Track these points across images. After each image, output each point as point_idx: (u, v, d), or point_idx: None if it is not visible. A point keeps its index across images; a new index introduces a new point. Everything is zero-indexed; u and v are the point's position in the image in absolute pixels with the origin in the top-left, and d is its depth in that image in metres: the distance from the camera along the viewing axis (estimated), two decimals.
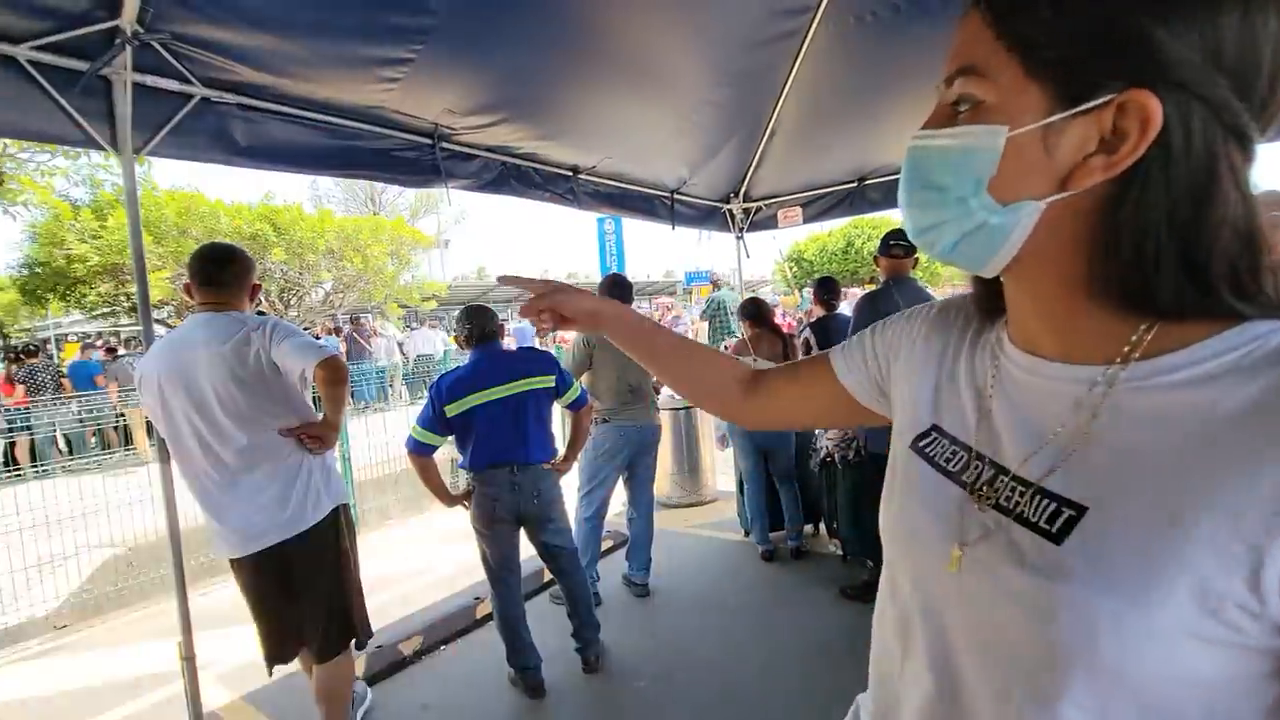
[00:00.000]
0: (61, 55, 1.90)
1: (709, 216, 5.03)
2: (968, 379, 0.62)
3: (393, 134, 2.84)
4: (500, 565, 2.67)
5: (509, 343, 11.59)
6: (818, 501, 4.08)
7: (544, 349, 2.84)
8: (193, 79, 2.15)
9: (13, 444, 7.82)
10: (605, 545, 3.98)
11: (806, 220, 5.01)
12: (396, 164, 2.90)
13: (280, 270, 11.92)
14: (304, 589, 2.07)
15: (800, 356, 3.84)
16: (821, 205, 4.88)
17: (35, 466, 7.19)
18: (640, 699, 2.63)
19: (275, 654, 2.13)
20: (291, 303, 12.74)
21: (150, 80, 2.07)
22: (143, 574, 4.80)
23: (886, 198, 4.58)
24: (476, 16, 2.39)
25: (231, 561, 2.07)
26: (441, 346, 13.22)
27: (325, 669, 2.13)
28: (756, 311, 3.96)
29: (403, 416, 7.39)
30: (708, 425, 5.11)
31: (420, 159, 2.96)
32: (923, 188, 0.53)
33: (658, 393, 3.65)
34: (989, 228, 0.50)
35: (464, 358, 2.85)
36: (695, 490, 5.08)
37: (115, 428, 8.29)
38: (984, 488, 0.55)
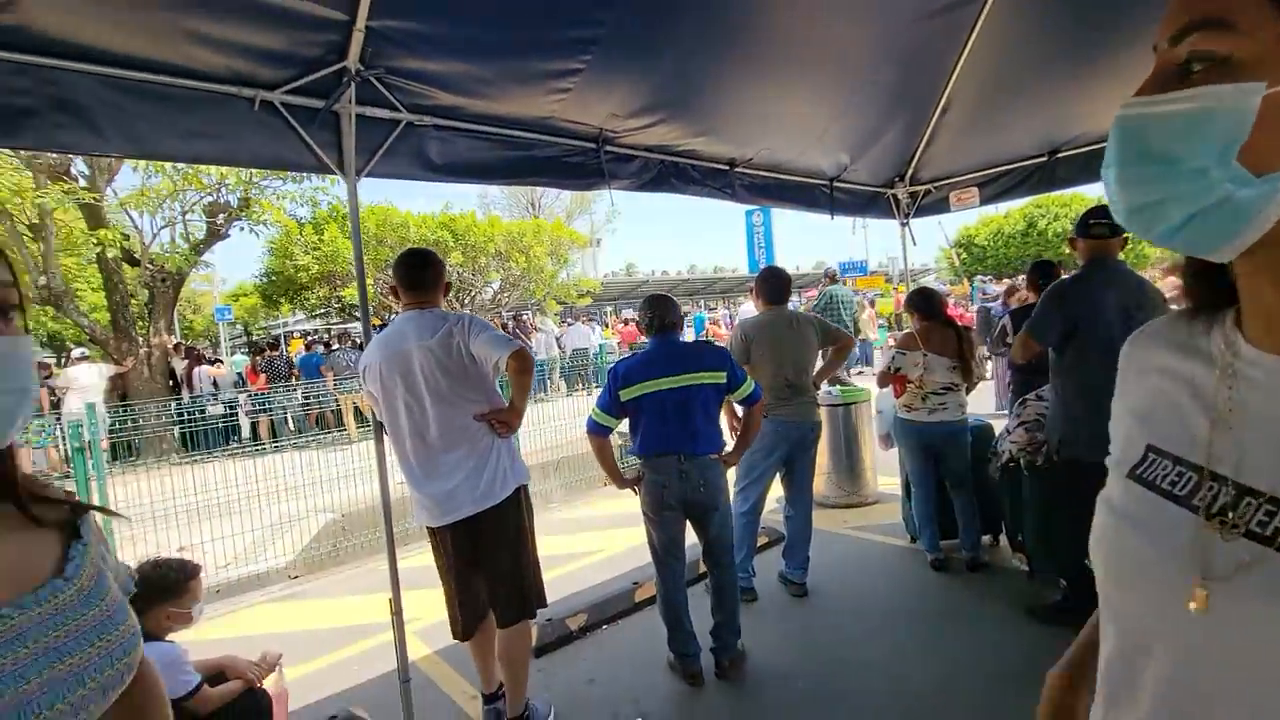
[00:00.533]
0: (303, 96, 2.26)
1: (870, 203, 4.76)
2: (1185, 389, 0.54)
3: (561, 141, 3.02)
4: (666, 550, 2.75)
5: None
6: (997, 510, 3.72)
7: (719, 344, 2.83)
8: (400, 106, 2.45)
9: (256, 423, 9.49)
10: (760, 541, 3.94)
11: (984, 201, 4.56)
12: (565, 169, 3.08)
13: (456, 272, 13.19)
14: (488, 558, 2.30)
15: (986, 346, 3.52)
16: (1002, 184, 4.41)
17: (274, 442, 8.65)
18: (798, 700, 2.58)
19: (462, 628, 2.39)
20: (465, 302, 14.06)
21: (368, 111, 2.39)
22: (354, 537, 5.59)
23: (1082, 173, 4.03)
24: (641, 22, 2.47)
25: (429, 529, 2.34)
26: (596, 341, 13.84)
27: (506, 634, 2.34)
28: (926, 303, 3.67)
29: (560, 408, 7.86)
30: (869, 423, 4.86)
31: (586, 163, 3.12)
32: (1140, 161, 0.47)
33: (818, 388, 3.53)
34: (1233, 202, 0.43)
35: (619, 352, 2.96)
36: (854, 490, 4.85)
37: (331, 411, 9.73)
38: (1226, 513, 0.48)
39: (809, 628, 3.16)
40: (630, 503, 2.87)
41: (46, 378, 9.72)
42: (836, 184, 4.35)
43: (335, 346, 11.39)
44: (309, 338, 15.23)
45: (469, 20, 2.19)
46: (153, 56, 1.96)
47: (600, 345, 10.88)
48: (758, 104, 3.29)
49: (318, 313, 15.39)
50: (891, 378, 3.63)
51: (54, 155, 8.87)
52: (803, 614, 3.31)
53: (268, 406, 9.38)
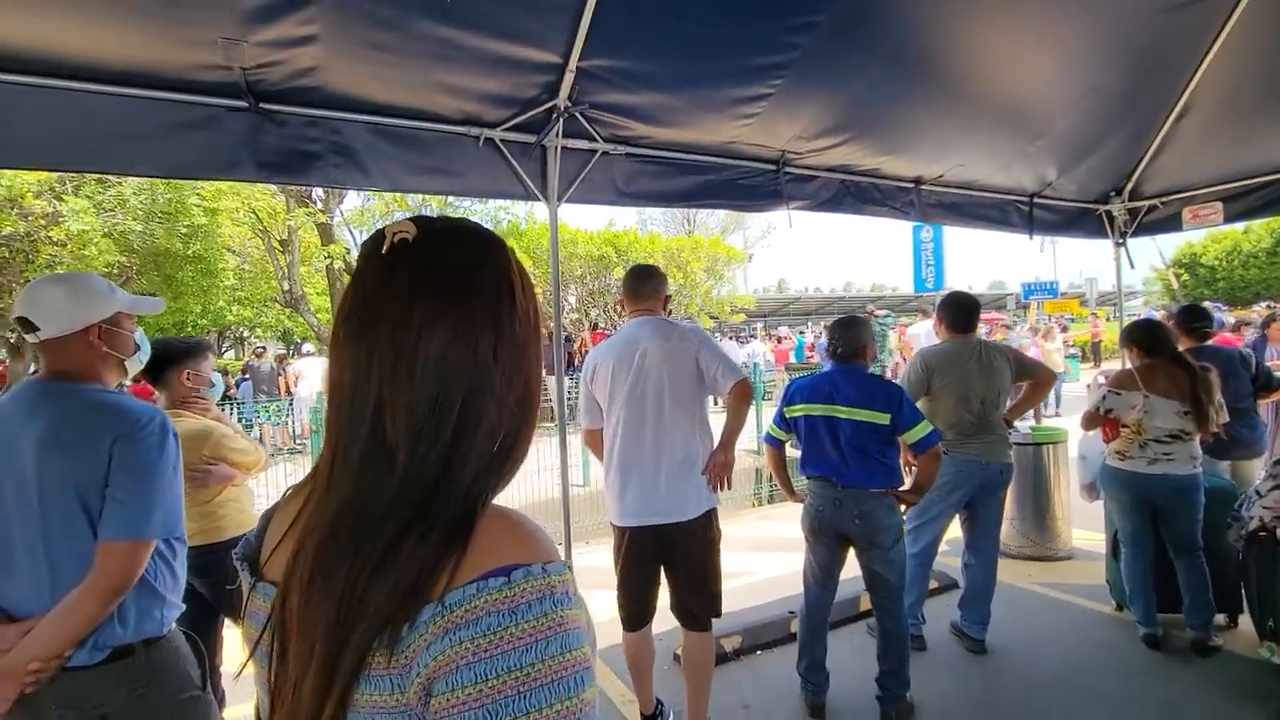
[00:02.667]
0: (517, 132, 2.53)
1: (1075, 221, 4.27)
2: None
3: (741, 163, 3.07)
4: (814, 575, 2.70)
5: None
6: (1235, 585, 3.11)
7: (894, 384, 2.65)
8: (598, 137, 2.64)
9: None
10: (931, 586, 3.65)
11: (1229, 219, 3.91)
12: (742, 191, 3.12)
13: (616, 286, 13.81)
14: (679, 564, 2.38)
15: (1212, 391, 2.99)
16: (1257, 199, 3.74)
17: None
18: None
19: (633, 620, 2.47)
20: (623, 314, 14.65)
21: (570, 143, 2.61)
22: None
23: None
24: (835, 44, 2.44)
25: (620, 529, 2.44)
26: (744, 358, 13.72)
27: (696, 638, 2.40)
28: (1150, 338, 3.17)
29: (714, 424, 7.88)
30: (1065, 467, 4.32)
31: (764, 184, 3.14)
32: None
33: (1010, 425, 3.21)
34: None
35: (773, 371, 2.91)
36: (1043, 542, 4.33)
37: None
38: None
39: (989, 689, 2.86)
40: (779, 527, 2.81)
41: (285, 367, 11.64)
42: (1037, 200, 3.96)
43: None
44: None
45: (671, 54, 2.32)
46: (405, 104, 2.31)
47: (754, 364, 10.76)
48: (954, 119, 3.11)
49: None
50: (1101, 420, 3.19)
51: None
52: (981, 673, 3.01)
53: None
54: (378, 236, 0.60)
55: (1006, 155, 3.45)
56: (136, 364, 1.55)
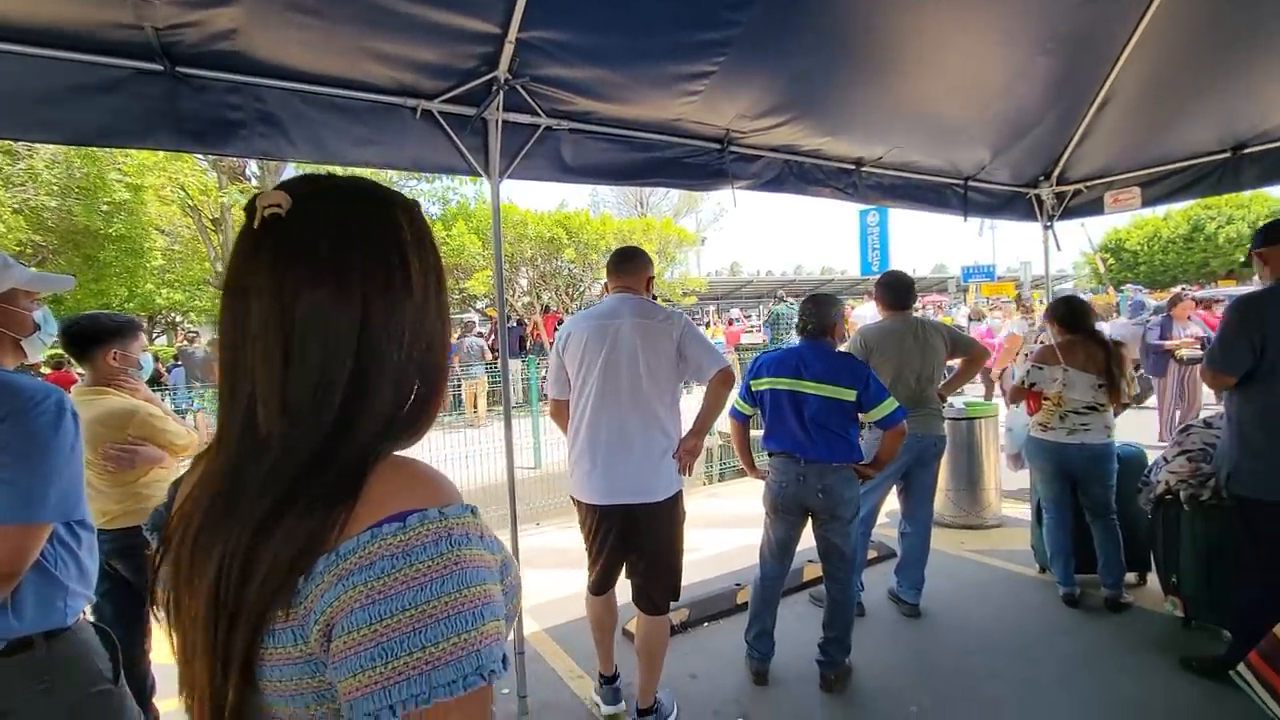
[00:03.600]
0: (456, 104, 2.45)
1: (1008, 204, 4.44)
2: None
3: (686, 142, 3.06)
4: (771, 550, 2.77)
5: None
6: (1145, 546, 3.36)
7: (861, 361, 2.69)
8: (540, 112, 2.59)
9: None
10: (870, 556, 3.80)
11: (1146, 203, 4.12)
12: (688, 170, 3.12)
13: (568, 268, 13.68)
14: (644, 546, 2.37)
15: (1135, 368, 3.18)
16: (1171, 184, 3.96)
17: None
18: None
19: (597, 586, 2.50)
20: (574, 296, 14.53)
21: (512, 117, 2.55)
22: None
23: (1276, 172, 3.54)
24: (775, 21, 2.45)
25: (582, 504, 2.43)
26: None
27: (651, 621, 2.41)
28: (1070, 314, 3.35)
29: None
30: (994, 440, 4.54)
31: (709, 163, 3.14)
32: None
33: (943, 400, 3.34)
34: None
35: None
36: (974, 511, 4.55)
37: (455, 396, 10.41)
38: None
39: (923, 651, 3.01)
40: (727, 504, 2.87)
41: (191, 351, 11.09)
42: (972, 183, 4.09)
43: (459, 335, 12.18)
44: None
45: (611, 28, 2.28)
46: (335, 73, 2.21)
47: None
48: (893, 101, 3.17)
49: None
50: (1025, 393, 3.37)
51: (233, 159, 10.12)
52: (915, 636, 3.16)
53: None
54: (250, 207, 0.58)
55: (943, 138, 3.55)
56: (38, 344, 1.44)
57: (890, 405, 2.55)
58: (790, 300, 12.79)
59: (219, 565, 0.52)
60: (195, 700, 0.54)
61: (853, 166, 3.59)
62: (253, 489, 0.54)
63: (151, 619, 2.37)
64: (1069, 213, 4.43)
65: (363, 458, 0.55)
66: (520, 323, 13.56)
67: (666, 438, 2.35)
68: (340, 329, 0.55)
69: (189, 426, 2.44)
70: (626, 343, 2.31)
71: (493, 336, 12.22)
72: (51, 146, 8.56)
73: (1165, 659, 2.79)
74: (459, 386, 9.80)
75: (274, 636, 0.51)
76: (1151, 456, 3.42)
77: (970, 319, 12.07)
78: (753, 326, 17.86)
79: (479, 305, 15.72)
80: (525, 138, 2.64)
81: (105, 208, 9.25)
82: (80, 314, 2.40)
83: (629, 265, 2.49)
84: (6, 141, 7.96)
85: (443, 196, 12.70)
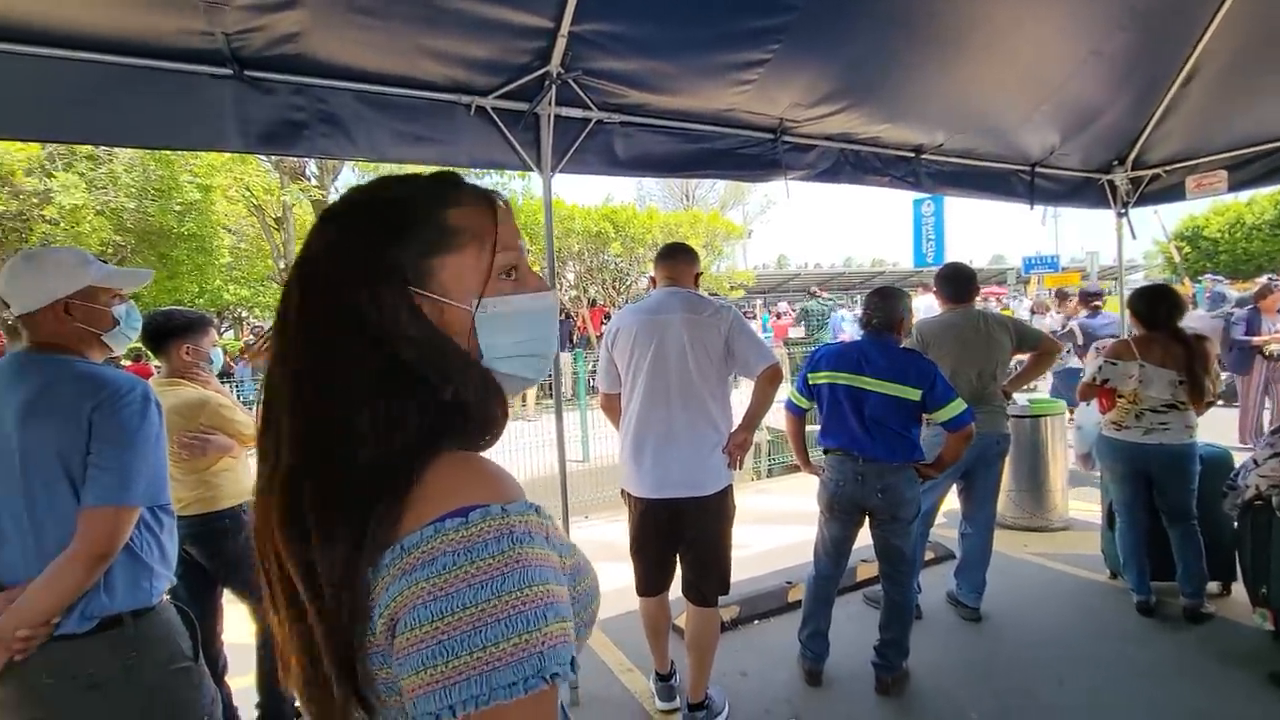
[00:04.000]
0: (509, 100, 2.47)
1: (1078, 191, 4.21)
2: None
3: (739, 132, 3.01)
4: (826, 549, 2.70)
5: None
6: (1230, 553, 3.14)
7: (929, 359, 2.60)
8: (592, 105, 2.59)
9: None
10: (927, 557, 3.68)
11: (1234, 187, 3.85)
12: (740, 161, 3.07)
13: (614, 262, 13.72)
14: (695, 539, 2.37)
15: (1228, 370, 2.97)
16: (1261, 167, 3.69)
17: None
18: None
19: (649, 586, 2.49)
20: (621, 290, 14.57)
21: (564, 111, 2.56)
22: None
23: None
24: (830, 6, 2.38)
25: (632, 497, 2.43)
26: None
27: (701, 614, 2.40)
28: (1148, 309, 3.13)
29: None
30: (1062, 439, 4.33)
31: (762, 154, 3.08)
32: None
33: (1008, 396, 3.20)
34: None
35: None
36: (1039, 513, 4.36)
37: None
38: None
39: (983, 656, 2.90)
40: (776, 500, 2.82)
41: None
42: (1039, 170, 3.90)
43: None
44: None
45: (664, 18, 2.25)
46: (393, 72, 2.26)
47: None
48: (957, 85, 3.04)
49: None
50: (1097, 390, 3.19)
51: (293, 159, 10.52)
52: (975, 641, 3.05)
53: None
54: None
55: (1009, 122, 3.39)
56: (120, 338, 1.50)
57: (958, 406, 2.44)
58: (824, 296, 12.49)
59: (293, 562, 0.54)
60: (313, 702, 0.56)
61: (912, 154, 3.47)
62: (315, 481, 0.55)
63: (220, 603, 2.50)
64: (1145, 199, 4.18)
65: (417, 451, 0.56)
66: (568, 316, 13.69)
67: (716, 432, 2.33)
68: (383, 330, 0.58)
69: (254, 417, 2.54)
70: (675, 338, 2.30)
71: None
72: (129, 151, 9.07)
73: (1251, 673, 2.61)
74: None
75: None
76: (1238, 459, 3.19)
77: (1033, 312, 11.55)
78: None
79: None
80: (577, 132, 2.64)
81: (178, 208, 9.77)
82: (155, 310, 2.53)
83: (677, 259, 2.47)
84: (87, 147, 8.47)
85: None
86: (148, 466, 1.35)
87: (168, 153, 9.16)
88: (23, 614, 1.24)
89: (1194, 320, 7.34)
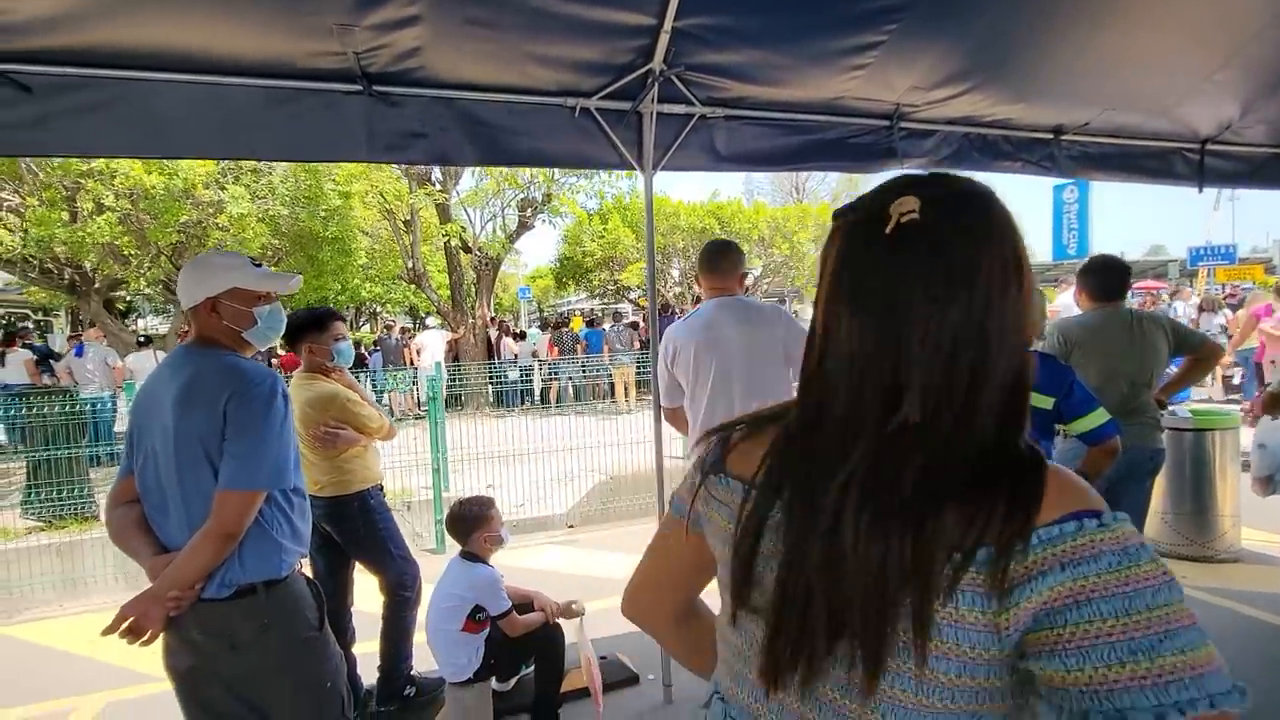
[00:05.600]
0: (611, 100, 2.49)
1: (1262, 169, 3.61)
2: None
3: (849, 121, 2.85)
4: None
5: None
6: None
7: (1063, 364, 2.37)
8: (694, 100, 2.55)
9: (547, 389, 11.02)
10: None
11: None
12: (851, 151, 2.91)
13: None
14: None
15: None
16: None
17: (559, 405, 9.96)
18: None
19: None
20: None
21: (666, 108, 2.54)
22: (621, 498, 6.18)
23: None
24: None
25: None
26: None
27: None
28: None
29: None
30: (1235, 458, 3.75)
31: (876, 142, 2.91)
32: None
33: (1163, 406, 2.82)
34: None
35: None
36: (1202, 541, 3.81)
37: (609, 383, 10.85)
38: None
39: None
40: None
41: (409, 340, 12.57)
42: (1210, 146, 3.38)
43: (607, 325, 12.64)
44: (591, 316, 17.17)
45: (771, 6, 2.17)
46: (504, 80, 2.35)
47: None
48: (1105, 55, 2.69)
49: (597, 293, 17.23)
50: None
51: (420, 166, 11.32)
52: None
53: (558, 374, 10.84)
54: (875, 210, 0.62)
55: (1173, 94, 2.95)
56: (260, 337, 1.64)
57: (1099, 417, 2.18)
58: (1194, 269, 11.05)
59: (888, 536, 0.56)
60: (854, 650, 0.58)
61: (1050, 135, 3.13)
62: (908, 471, 0.58)
63: (352, 576, 2.73)
64: None
65: (1013, 444, 0.60)
66: (673, 314, 13.75)
67: None
68: (968, 330, 0.58)
69: (382, 414, 2.75)
70: (736, 352, 2.34)
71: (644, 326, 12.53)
72: (283, 164, 10.15)
73: None
74: (609, 375, 10.18)
75: (962, 597, 0.55)
76: None
77: (1202, 310, 10.13)
78: None
79: (632, 296, 16.18)
80: (679, 128, 2.62)
81: (323, 213, 10.82)
82: (291, 311, 2.80)
83: (723, 264, 2.47)
84: (250, 162, 9.55)
85: (599, 192, 13.25)
86: (272, 453, 1.48)
87: (313, 165, 10.17)
88: (172, 578, 1.42)
89: None
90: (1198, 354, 2.83)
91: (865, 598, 0.56)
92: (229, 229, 9.58)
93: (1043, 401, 2.20)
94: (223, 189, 9.43)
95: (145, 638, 1.42)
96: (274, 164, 10.04)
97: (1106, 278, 2.85)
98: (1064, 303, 8.98)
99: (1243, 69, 2.85)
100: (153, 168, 8.60)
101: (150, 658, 1.53)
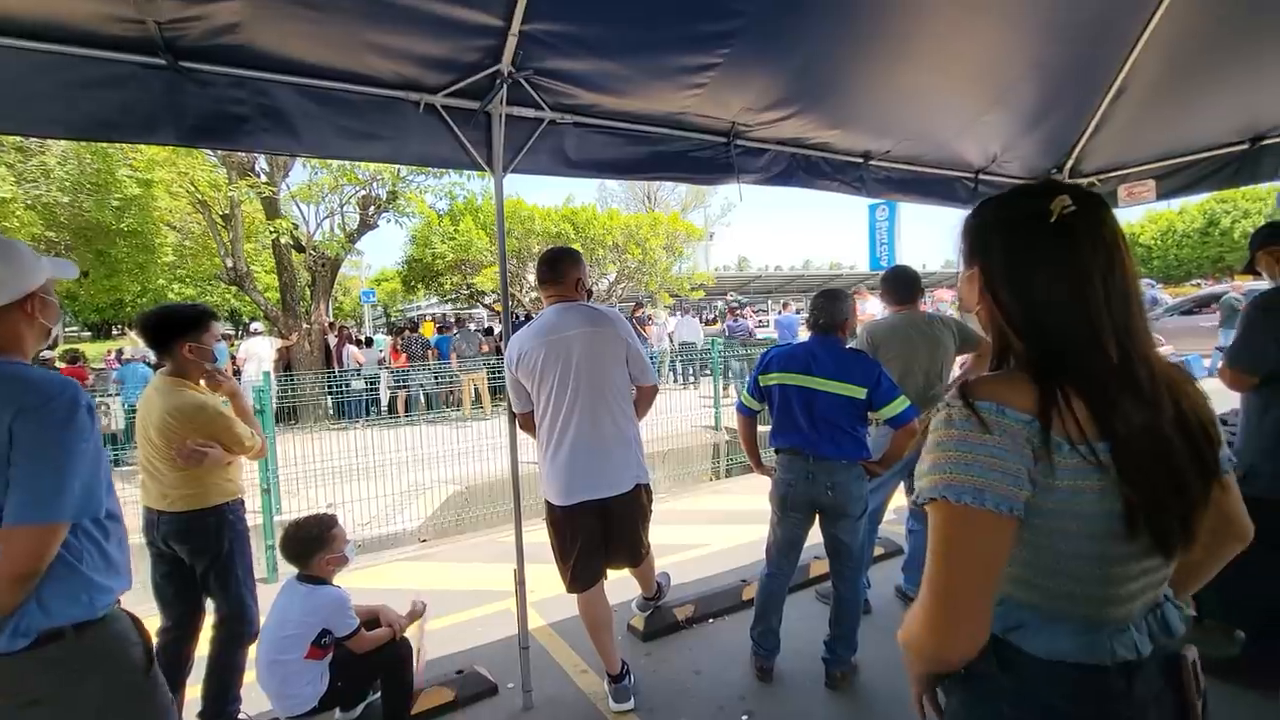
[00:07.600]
0: (459, 98, 2.44)
1: None
2: None
3: (692, 135, 3.04)
4: (778, 547, 2.74)
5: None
6: None
7: (872, 359, 2.68)
8: (544, 105, 2.58)
9: (395, 398, 10.38)
10: (876, 553, 3.78)
11: (1161, 196, 4.05)
12: (694, 164, 3.09)
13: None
14: (621, 532, 2.54)
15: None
16: (1188, 176, 3.89)
17: (408, 415, 9.42)
18: None
19: (584, 583, 2.54)
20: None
21: (515, 110, 2.54)
22: (476, 508, 5.99)
23: None
24: (781, 10, 2.42)
25: (555, 506, 2.48)
26: (703, 335, 13.79)
27: (638, 570, 2.87)
28: None
29: (670, 401, 7.94)
30: None
31: (715, 157, 3.12)
32: None
33: None
34: None
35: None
36: None
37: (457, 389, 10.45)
38: None
39: None
40: (734, 500, 2.86)
41: (230, 348, 11.21)
42: (982, 176, 4.04)
43: (455, 332, 12.20)
44: (443, 322, 16.42)
45: (615, 19, 2.26)
46: (338, 67, 2.20)
47: (713, 340, 10.83)
48: (902, 92, 3.13)
49: (449, 297, 16.53)
50: None
51: (242, 154, 10.16)
52: None
53: (406, 383, 10.24)
54: (1038, 209, 0.90)
55: (952, 131, 3.51)
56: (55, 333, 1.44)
57: (901, 404, 2.51)
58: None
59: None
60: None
61: (860, 160, 3.56)
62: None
63: (203, 603, 2.42)
64: None
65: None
66: (528, 318, 13.57)
67: (629, 432, 2.53)
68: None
69: (253, 430, 2.46)
70: (581, 355, 2.42)
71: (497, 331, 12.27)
72: (63, 143, 8.63)
73: None
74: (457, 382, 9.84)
75: None
76: None
77: (962, 311, 11.91)
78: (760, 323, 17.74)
79: (487, 300, 15.74)
80: (529, 132, 2.62)
81: (116, 203, 9.33)
82: (157, 306, 2.44)
83: (557, 271, 2.54)
84: (16, 138, 8.03)
85: (450, 192, 12.74)
86: (77, 478, 1.24)
87: (105, 146, 8.75)
88: None
89: None
90: (977, 349, 3.36)
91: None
92: None
93: (857, 392, 2.50)
94: None
95: None
96: (49, 142, 8.49)
97: (900, 285, 3.29)
98: (875, 307, 10.14)
99: (1001, 114, 3.46)
100: None
101: None
